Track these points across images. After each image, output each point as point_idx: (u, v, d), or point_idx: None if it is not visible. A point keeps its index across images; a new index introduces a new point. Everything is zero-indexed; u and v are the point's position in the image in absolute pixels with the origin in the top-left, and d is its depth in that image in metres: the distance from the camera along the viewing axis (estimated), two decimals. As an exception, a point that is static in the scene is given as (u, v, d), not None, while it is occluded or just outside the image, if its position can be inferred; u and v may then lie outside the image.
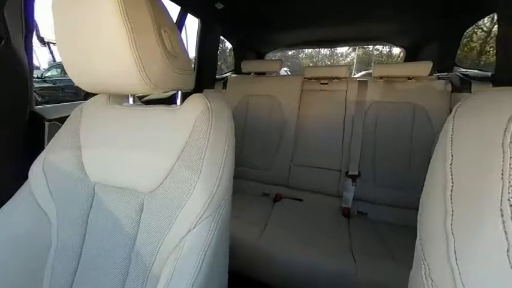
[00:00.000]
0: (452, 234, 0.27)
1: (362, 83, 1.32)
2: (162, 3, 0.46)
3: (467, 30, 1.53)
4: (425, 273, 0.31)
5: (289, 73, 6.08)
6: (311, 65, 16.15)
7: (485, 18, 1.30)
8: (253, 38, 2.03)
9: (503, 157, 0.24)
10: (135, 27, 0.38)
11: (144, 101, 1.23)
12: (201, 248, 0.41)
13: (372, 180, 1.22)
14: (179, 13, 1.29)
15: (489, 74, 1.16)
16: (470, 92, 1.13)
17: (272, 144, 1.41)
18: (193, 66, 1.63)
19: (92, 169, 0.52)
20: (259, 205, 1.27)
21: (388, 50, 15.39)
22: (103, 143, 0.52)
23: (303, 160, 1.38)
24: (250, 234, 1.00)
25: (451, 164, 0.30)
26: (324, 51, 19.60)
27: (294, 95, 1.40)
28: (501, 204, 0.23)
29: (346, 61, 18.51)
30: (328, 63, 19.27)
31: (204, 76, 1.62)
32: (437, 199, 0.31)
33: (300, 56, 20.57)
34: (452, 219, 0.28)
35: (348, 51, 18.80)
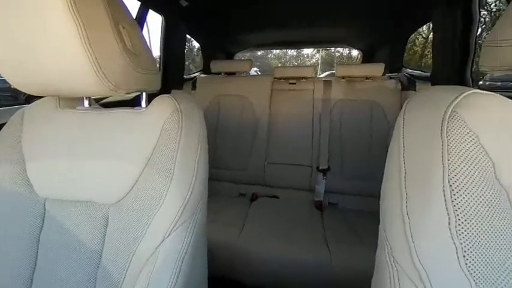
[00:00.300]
0: (408, 215, 0.31)
1: (327, 82, 1.42)
2: None
3: (410, 37, 1.76)
4: (388, 253, 0.34)
5: (260, 73, 6.17)
6: (279, 65, 16.66)
7: (424, 27, 1.52)
8: (221, 38, 2.01)
9: (442, 145, 0.28)
10: (87, 23, 0.34)
11: (102, 103, 1.12)
12: (177, 257, 0.39)
13: (340, 173, 1.32)
14: (139, 9, 1.20)
15: (428, 74, 1.35)
16: (415, 90, 1.30)
17: (245, 144, 1.42)
18: (158, 65, 1.54)
19: (40, 183, 0.45)
20: (236, 206, 1.26)
21: (348, 52, 16.73)
22: (54, 153, 0.46)
23: (277, 158, 1.42)
24: (229, 236, 0.99)
25: (403, 154, 0.35)
26: (291, 52, 20.39)
27: (264, 94, 1.42)
28: (443, 187, 0.27)
29: (311, 62, 19.55)
30: (296, 63, 20.11)
31: (171, 76, 1.54)
32: (394, 186, 0.35)
33: (269, 56, 21.03)
34: (406, 203, 0.31)
35: (313, 53, 19.90)
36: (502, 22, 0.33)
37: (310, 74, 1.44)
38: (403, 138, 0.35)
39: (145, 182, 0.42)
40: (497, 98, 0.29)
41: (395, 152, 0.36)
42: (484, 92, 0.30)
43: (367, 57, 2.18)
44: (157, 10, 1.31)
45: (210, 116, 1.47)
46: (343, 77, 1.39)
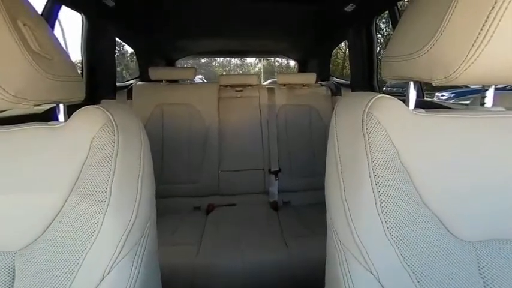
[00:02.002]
0: (346, 201, 0.36)
1: (270, 89, 1.52)
2: None
3: (333, 51, 2.10)
4: (334, 237, 0.39)
5: (205, 81, 6.04)
6: (224, 73, 16.81)
7: (342, 44, 1.87)
8: (157, 43, 1.87)
9: (364, 140, 0.35)
10: None
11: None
12: None
13: (289, 173, 1.42)
14: (46, 3, 0.98)
15: (348, 82, 1.64)
16: (341, 95, 1.55)
17: (196, 154, 1.35)
18: (80, 72, 1.30)
19: None
20: (191, 221, 1.18)
21: (286, 62, 18.48)
22: None
23: (230, 165, 1.41)
24: (186, 256, 0.91)
25: (338, 150, 0.41)
26: (235, 61, 20.95)
27: (212, 102, 1.40)
28: (369, 174, 0.34)
29: (255, 70, 20.61)
30: (240, 72, 20.76)
31: (99, 84, 1.32)
32: (334, 177, 0.41)
33: (213, 64, 20.96)
34: (344, 191, 0.37)
35: (256, 62, 21.04)
36: (390, 43, 0.44)
37: (255, 82, 1.52)
38: (336, 136, 0.42)
39: (70, 212, 0.34)
40: (395, 101, 0.37)
41: (332, 149, 0.42)
42: (387, 96, 0.38)
43: (302, 67, 2.48)
44: (73, 7, 1.11)
45: (153, 127, 1.34)
46: (284, 84, 1.52)
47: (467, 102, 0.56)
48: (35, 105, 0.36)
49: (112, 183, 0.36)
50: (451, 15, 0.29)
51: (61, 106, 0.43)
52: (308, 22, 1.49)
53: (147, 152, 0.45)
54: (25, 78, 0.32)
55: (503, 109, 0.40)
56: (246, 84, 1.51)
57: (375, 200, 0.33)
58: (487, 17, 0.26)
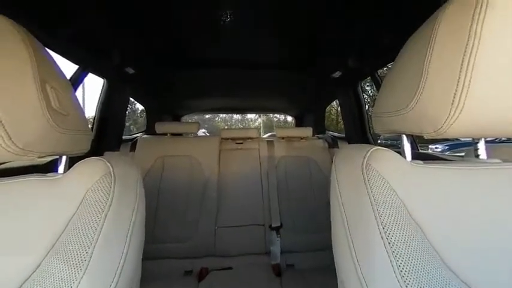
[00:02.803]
0: (358, 263, 0.32)
1: (270, 142, 1.58)
2: (51, 57, 0.40)
3: (327, 108, 2.31)
4: None
5: (208, 134, 6.36)
6: (226, 127, 17.89)
7: (334, 102, 2.07)
8: (167, 102, 2.07)
9: (368, 194, 0.34)
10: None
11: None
12: None
13: (292, 228, 1.31)
14: (77, 70, 1.15)
15: (344, 135, 1.72)
16: (338, 147, 1.60)
17: (194, 208, 1.28)
18: (91, 126, 1.38)
19: None
20: None
21: (284, 117, 19.97)
22: None
23: (228, 220, 1.31)
24: None
25: (342, 204, 0.39)
26: (237, 116, 22.67)
27: (213, 154, 1.43)
28: (379, 231, 0.31)
29: (255, 125, 22.03)
30: (241, 126, 22.12)
31: (106, 137, 1.39)
32: (341, 234, 0.37)
33: (216, 119, 22.57)
34: (355, 252, 0.33)
35: (255, 118, 22.74)
36: (377, 102, 0.49)
37: (255, 135, 1.59)
38: (338, 189, 0.41)
39: (42, 275, 0.30)
40: (392, 153, 0.38)
41: (336, 203, 0.41)
42: (383, 148, 0.39)
43: (299, 122, 2.67)
44: (99, 74, 1.29)
45: (152, 179, 1.32)
46: (282, 137, 1.60)
47: (462, 154, 0.57)
48: (39, 157, 0.37)
49: (96, 243, 0.33)
50: (426, 79, 0.33)
51: (63, 158, 0.44)
52: (302, 85, 1.69)
53: (141, 206, 0.43)
54: (38, 131, 0.34)
55: (500, 161, 0.40)
56: (247, 137, 1.58)
57: (390, 261, 0.29)
58: (459, 78, 0.29)
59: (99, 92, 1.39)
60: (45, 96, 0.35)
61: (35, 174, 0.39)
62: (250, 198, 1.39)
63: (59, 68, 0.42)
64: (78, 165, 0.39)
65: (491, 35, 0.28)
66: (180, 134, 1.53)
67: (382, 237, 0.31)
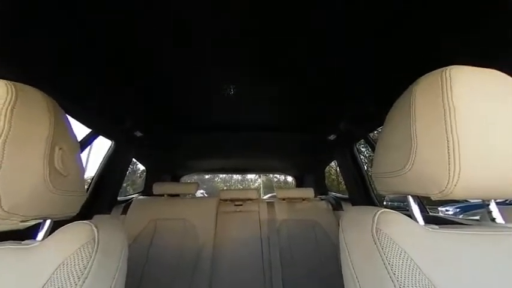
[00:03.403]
0: None
1: (270, 203, 1.51)
2: (68, 122, 0.44)
3: (326, 168, 2.33)
4: None
5: (206, 195, 6.15)
6: (225, 188, 17.51)
7: (333, 162, 2.12)
8: (169, 162, 2.10)
9: (384, 264, 0.31)
10: (12, 138, 0.31)
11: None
12: None
13: None
14: (89, 133, 1.23)
15: (347, 196, 1.66)
16: (343, 210, 1.51)
17: (183, 282, 1.08)
18: (87, 186, 1.36)
19: None
20: None
21: (284, 178, 19.84)
22: None
23: None
24: None
25: (355, 274, 0.34)
26: (236, 176, 22.56)
27: (209, 216, 1.34)
28: None
29: (255, 185, 21.62)
30: (241, 186, 21.69)
31: (100, 199, 1.33)
32: None
33: (216, 180, 22.37)
34: None
35: (255, 178, 22.57)
36: (375, 162, 0.50)
37: (255, 196, 1.53)
38: (350, 260, 0.36)
39: None
40: (402, 216, 0.36)
41: (349, 276, 0.35)
42: (391, 210, 0.37)
43: (299, 182, 2.63)
44: (108, 137, 1.37)
45: (140, 245, 1.18)
46: (283, 199, 1.53)
47: (477, 217, 0.54)
48: (21, 222, 0.34)
49: None
50: (416, 142, 0.35)
51: (47, 222, 0.41)
52: (301, 147, 1.77)
53: (120, 281, 0.36)
54: (30, 192, 0.33)
55: None
56: (246, 198, 1.52)
57: None
58: (447, 141, 0.31)
59: (105, 152, 1.44)
60: (51, 157, 0.36)
61: (9, 241, 0.35)
62: (249, 271, 1.20)
63: (73, 131, 0.45)
64: (60, 231, 0.36)
65: (463, 104, 0.32)
66: (177, 195, 1.48)
67: None
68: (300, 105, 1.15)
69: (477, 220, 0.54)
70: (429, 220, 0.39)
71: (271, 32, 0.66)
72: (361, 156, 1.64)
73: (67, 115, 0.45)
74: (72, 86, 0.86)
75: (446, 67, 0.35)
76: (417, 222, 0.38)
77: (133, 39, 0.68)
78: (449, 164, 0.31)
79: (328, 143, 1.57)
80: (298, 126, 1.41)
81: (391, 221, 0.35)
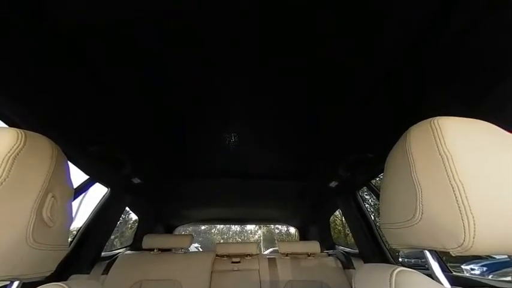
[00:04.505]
0: None
1: (272, 260, 1.34)
2: (68, 168, 0.44)
3: (331, 219, 2.18)
4: None
5: (201, 249, 5.55)
6: (222, 241, 15.94)
7: (338, 212, 1.99)
8: (163, 211, 1.99)
9: None
10: (6, 186, 0.31)
11: None
12: None
13: None
14: (87, 180, 1.20)
15: (356, 251, 1.49)
16: (354, 268, 1.34)
17: None
18: (71, 239, 1.24)
19: None
20: None
21: (286, 229, 18.31)
22: None
23: None
24: None
25: None
26: (235, 228, 20.88)
27: (203, 277, 1.17)
28: None
29: (254, 238, 19.76)
30: (239, 239, 19.81)
31: (81, 255, 1.19)
32: None
33: (212, 231, 20.63)
34: None
35: (255, 229, 20.86)
36: (382, 212, 0.47)
37: (254, 251, 1.38)
38: None
39: None
40: (421, 276, 0.32)
41: None
42: (409, 269, 0.33)
43: (303, 235, 2.41)
44: (105, 184, 1.34)
45: None
46: (286, 254, 1.37)
47: (508, 278, 0.47)
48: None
49: None
50: (421, 190, 0.34)
51: (15, 284, 0.35)
52: (301, 195, 1.71)
53: None
54: (6, 247, 0.30)
55: None
56: (245, 254, 1.37)
57: None
58: (452, 188, 0.30)
59: (99, 200, 1.38)
60: (41, 205, 0.35)
61: None
62: None
63: (70, 178, 0.45)
64: None
65: (459, 151, 0.32)
66: (168, 250, 1.33)
67: None
68: (299, 152, 1.17)
69: (509, 281, 0.47)
70: (454, 282, 0.34)
71: (270, 81, 0.71)
72: (366, 205, 1.56)
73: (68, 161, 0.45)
74: (76, 132, 0.90)
75: (434, 118, 0.37)
76: (441, 283, 0.33)
77: (137, 87, 0.73)
78: (460, 213, 0.29)
79: (330, 190, 1.52)
80: (298, 174, 1.39)
81: (411, 283, 0.30)
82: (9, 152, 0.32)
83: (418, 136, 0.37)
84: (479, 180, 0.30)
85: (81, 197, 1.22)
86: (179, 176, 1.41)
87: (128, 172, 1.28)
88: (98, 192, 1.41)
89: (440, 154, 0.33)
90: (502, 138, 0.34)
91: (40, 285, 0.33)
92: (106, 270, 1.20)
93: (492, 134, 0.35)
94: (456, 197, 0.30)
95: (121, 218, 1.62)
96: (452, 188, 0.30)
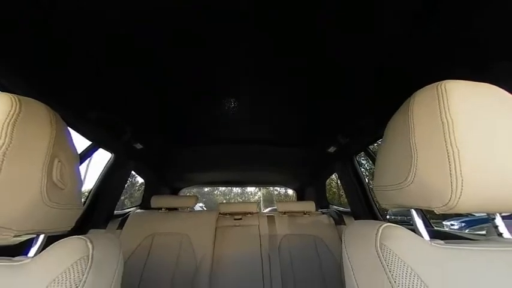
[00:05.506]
0: None
1: (270, 217, 1.47)
2: (69, 134, 0.44)
3: (327, 181, 2.30)
4: None
5: (205, 209, 6.03)
6: (224, 201, 17.18)
7: (334, 176, 2.09)
8: (168, 175, 2.09)
9: (388, 278, 0.29)
10: (12, 151, 0.31)
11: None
12: None
13: None
14: (90, 145, 1.23)
15: (348, 209, 1.63)
16: (345, 224, 1.47)
17: None
18: (85, 199, 1.33)
19: None
20: None
21: (284, 190, 19.54)
22: None
23: None
24: None
25: (358, 285, 0.34)
26: (236, 189, 22.26)
27: (208, 231, 1.30)
28: None
29: (254, 199, 21.27)
30: (240, 200, 21.33)
31: (96, 213, 1.30)
32: None
33: (215, 193, 22.04)
34: None
35: (255, 191, 22.25)
36: (376, 175, 0.49)
37: (254, 210, 1.50)
38: (354, 278, 0.35)
39: None
40: (406, 231, 0.35)
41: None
42: (394, 225, 0.36)
43: (300, 195, 2.58)
44: (108, 149, 1.37)
45: (136, 261, 1.13)
46: (284, 212, 1.50)
47: (483, 232, 0.52)
48: (15, 236, 0.33)
49: None
50: (417, 154, 0.35)
51: (40, 237, 0.40)
52: (301, 159, 1.77)
53: None
54: (26, 206, 0.32)
55: None
56: (246, 212, 1.49)
57: None
58: (447, 152, 0.31)
59: (104, 165, 1.43)
60: (50, 169, 0.36)
61: None
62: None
63: (73, 143, 0.46)
64: (53, 247, 0.35)
65: (461, 117, 0.32)
66: (175, 209, 1.45)
67: None
68: (298, 118, 1.16)
69: (483, 235, 0.53)
70: (434, 235, 0.38)
71: (271, 45, 0.68)
72: (362, 169, 1.63)
73: (68, 127, 0.45)
74: (74, 99, 0.88)
75: (441, 81, 0.35)
76: (422, 237, 0.37)
77: (135, 51, 0.69)
78: (451, 177, 0.31)
79: (328, 155, 1.57)
80: (297, 139, 1.41)
81: (395, 236, 0.34)
82: (6, 119, 0.32)
83: (422, 101, 0.36)
84: (476, 145, 0.31)
85: (87, 161, 1.27)
86: (180, 142, 1.43)
87: (129, 138, 1.30)
88: (105, 156, 1.45)
89: (441, 120, 0.33)
90: (510, 103, 0.34)
91: (62, 238, 0.37)
92: (120, 226, 1.33)
93: (499, 99, 0.34)
94: (450, 163, 0.31)
95: (128, 182, 1.72)
96: (448, 153, 0.31)
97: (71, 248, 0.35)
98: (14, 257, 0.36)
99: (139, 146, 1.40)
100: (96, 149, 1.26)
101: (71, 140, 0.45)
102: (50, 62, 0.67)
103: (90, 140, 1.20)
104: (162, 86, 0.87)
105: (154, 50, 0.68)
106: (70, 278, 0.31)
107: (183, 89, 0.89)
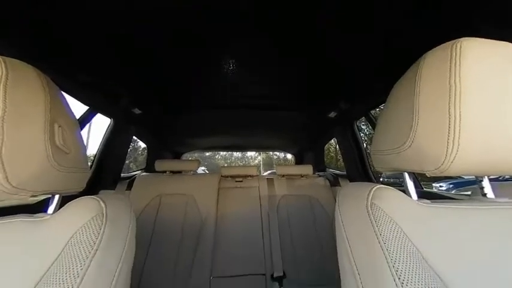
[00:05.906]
0: None
1: (270, 180, 1.55)
2: (64, 99, 0.43)
3: (326, 146, 2.35)
4: None
5: (207, 172, 6.31)
6: (225, 165, 17.80)
7: (333, 141, 2.11)
8: (169, 140, 2.12)
9: (377, 238, 0.32)
10: (10, 116, 0.31)
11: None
12: None
13: (296, 280, 1.17)
14: (87, 110, 1.21)
15: (345, 173, 1.70)
16: (340, 186, 1.56)
17: (187, 254, 1.17)
18: (91, 163, 1.38)
19: None
20: None
21: (284, 155, 20.09)
22: None
23: (225, 269, 1.18)
24: None
25: (350, 247, 0.36)
26: (237, 154, 22.85)
27: (211, 192, 1.39)
28: (393, 279, 0.28)
29: (255, 162, 22.06)
30: (241, 164, 22.13)
31: (104, 175, 1.37)
32: (351, 283, 0.33)
33: (216, 157, 22.70)
34: None
35: (255, 155, 22.91)
36: (374, 140, 0.50)
37: (255, 173, 1.57)
38: (345, 233, 0.39)
39: None
40: (396, 192, 0.37)
41: (343, 249, 0.38)
42: (386, 186, 0.38)
43: (298, 160, 2.67)
44: (107, 114, 1.36)
45: (146, 219, 1.25)
46: (283, 175, 1.57)
47: (469, 192, 0.56)
48: (31, 196, 0.36)
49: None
50: (418, 118, 0.35)
51: (56, 197, 0.42)
52: (301, 124, 1.76)
53: (129, 254, 0.40)
54: (36, 169, 0.34)
55: (509, 199, 0.39)
56: (247, 175, 1.56)
57: (392, 275, 0.29)
58: (449, 117, 0.31)
59: (105, 130, 1.44)
60: (51, 134, 0.36)
61: (21, 214, 0.37)
62: (249, 244, 1.29)
63: (70, 109, 0.45)
64: (69, 206, 0.38)
65: (470, 81, 0.31)
66: (179, 172, 1.52)
67: (396, 284, 0.28)
68: (299, 82, 1.12)
69: (468, 195, 0.56)
70: (422, 195, 0.40)
71: (271, 10, 0.61)
72: (361, 134, 1.64)
73: (63, 92, 0.43)
74: (65, 63, 0.83)
75: (458, 39, 0.33)
76: (411, 197, 0.40)
77: (131, 16, 0.62)
78: (448, 142, 0.31)
79: (328, 120, 1.56)
80: (297, 104, 1.38)
81: (385, 196, 0.36)
82: None
83: (432, 63, 0.34)
84: (480, 110, 0.30)
85: (87, 126, 1.27)
86: (178, 107, 1.41)
87: (127, 103, 1.27)
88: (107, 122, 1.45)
89: (449, 83, 0.31)
90: None
91: (76, 198, 0.40)
92: (129, 187, 1.41)
93: None
94: (449, 127, 0.31)
95: (131, 146, 1.75)
96: (449, 118, 0.31)
97: (86, 206, 0.38)
98: (34, 214, 0.40)
99: (137, 111, 1.38)
100: (94, 115, 1.24)
101: (67, 105, 0.44)
102: (39, 23, 0.61)
103: (87, 105, 1.17)
104: (159, 49, 0.81)
105: (152, 15, 0.60)
106: (89, 233, 0.34)
107: (182, 51, 0.83)
